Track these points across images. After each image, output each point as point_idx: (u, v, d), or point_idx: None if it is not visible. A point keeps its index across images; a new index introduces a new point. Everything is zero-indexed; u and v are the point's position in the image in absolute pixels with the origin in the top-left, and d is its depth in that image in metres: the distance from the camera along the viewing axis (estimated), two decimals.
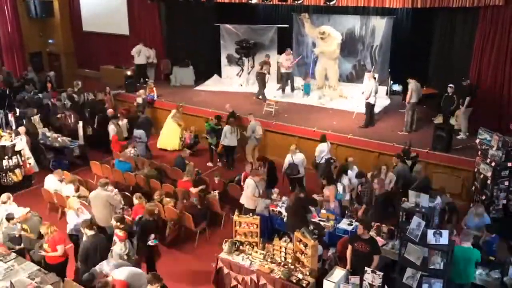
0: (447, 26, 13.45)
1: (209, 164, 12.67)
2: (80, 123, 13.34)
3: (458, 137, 11.72)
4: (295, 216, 8.16)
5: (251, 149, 12.30)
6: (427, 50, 14.23)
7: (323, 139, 10.89)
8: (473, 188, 9.74)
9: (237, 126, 12.34)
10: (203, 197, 9.62)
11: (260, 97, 14.89)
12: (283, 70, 15.39)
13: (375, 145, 11.69)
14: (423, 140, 11.62)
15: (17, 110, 13.75)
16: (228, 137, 12.04)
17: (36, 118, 13.27)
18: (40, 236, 7.53)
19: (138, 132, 12.80)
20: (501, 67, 11.56)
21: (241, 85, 16.75)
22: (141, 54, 16.81)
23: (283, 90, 15.60)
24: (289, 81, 15.60)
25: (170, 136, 13.68)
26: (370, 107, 12.80)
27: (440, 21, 13.69)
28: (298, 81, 15.89)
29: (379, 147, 11.61)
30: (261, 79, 14.90)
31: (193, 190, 9.56)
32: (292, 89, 15.67)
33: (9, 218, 7.81)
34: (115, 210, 8.47)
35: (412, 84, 12.22)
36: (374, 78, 12.87)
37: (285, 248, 7.57)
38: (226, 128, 12.06)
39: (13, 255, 7.38)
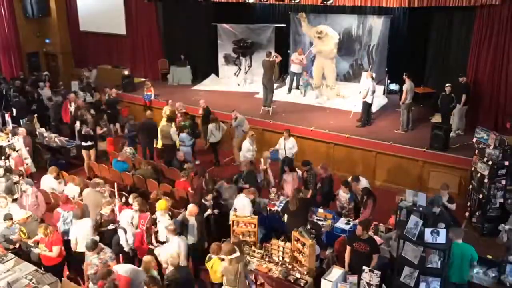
0: (444, 25, 13.47)
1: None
2: (77, 123, 13.29)
3: (451, 135, 11.70)
4: (298, 218, 7.91)
5: (238, 142, 12.35)
6: (424, 49, 14.25)
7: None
8: (470, 187, 9.77)
9: (219, 122, 12.41)
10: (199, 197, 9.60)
11: (267, 107, 13.88)
12: (293, 69, 15.34)
13: (373, 144, 11.71)
14: (420, 139, 11.65)
15: (14, 111, 13.75)
16: (215, 134, 12.23)
17: (34, 118, 13.26)
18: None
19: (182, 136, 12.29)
20: (498, 66, 11.58)
21: (239, 85, 16.75)
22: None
23: (289, 90, 15.55)
24: (295, 80, 15.54)
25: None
26: (367, 106, 12.81)
27: (437, 20, 13.71)
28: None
29: (376, 146, 11.63)
30: (269, 69, 13.71)
31: (192, 190, 9.54)
32: (297, 87, 15.64)
33: (6, 218, 7.78)
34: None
35: (406, 84, 12.25)
36: (372, 77, 12.87)
37: (283, 248, 7.58)
38: (212, 126, 12.21)
39: (11, 255, 7.37)
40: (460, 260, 6.77)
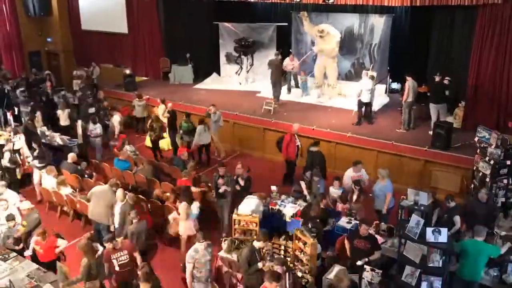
0: (446, 24, 13.44)
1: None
2: (79, 122, 13.31)
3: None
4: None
5: (218, 137, 12.77)
6: (426, 48, 14.22)
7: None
8: (472, 186, 9.76)
9: (207, 124, 12.38)
10: (202, 196, 9.62)
11: (275, 104, 14.04)
12: (288, 70, 15.36)
13: (374, 143, 11.70)
14: (422, 138, 11.64)
15: (15, 109, 13.76)
16: (203, 136, 12.19)
17: (38, 117, 13.26)
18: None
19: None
20: (500, 65, 11.55)
21: (240, 84, 16.75)
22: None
23: (289, 90, 15.54)
24: (292, 80, 15.57)
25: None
26: (361, 104, 12.84)
27: (439, 19, 13.68)
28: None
29: (378, 145, 11.62)
30: (277, 69, 14.05)
31: (193, 189, 9.54)
32: (297, 85, 15.64)
33: (9, 219, 7.80)
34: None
35: (409, 82, 12.25)
36: (373, 77, 12.87)
37: (285, 246, 7.58)
38: (200, 128, 12.12)
39: (13, 254, 7.41)
40: (475, 257, 6.67)
